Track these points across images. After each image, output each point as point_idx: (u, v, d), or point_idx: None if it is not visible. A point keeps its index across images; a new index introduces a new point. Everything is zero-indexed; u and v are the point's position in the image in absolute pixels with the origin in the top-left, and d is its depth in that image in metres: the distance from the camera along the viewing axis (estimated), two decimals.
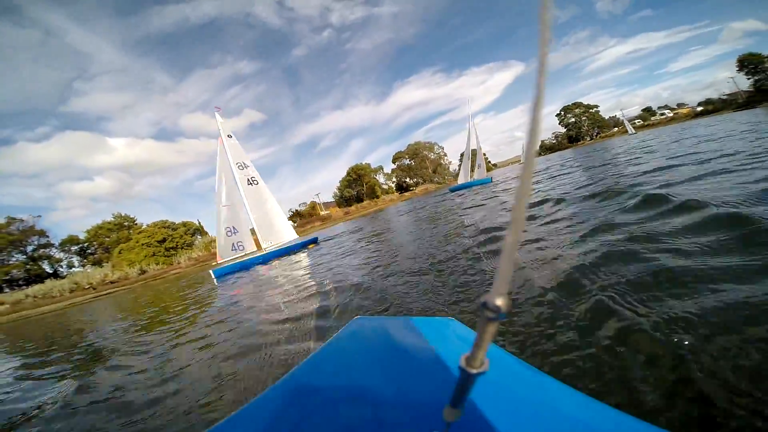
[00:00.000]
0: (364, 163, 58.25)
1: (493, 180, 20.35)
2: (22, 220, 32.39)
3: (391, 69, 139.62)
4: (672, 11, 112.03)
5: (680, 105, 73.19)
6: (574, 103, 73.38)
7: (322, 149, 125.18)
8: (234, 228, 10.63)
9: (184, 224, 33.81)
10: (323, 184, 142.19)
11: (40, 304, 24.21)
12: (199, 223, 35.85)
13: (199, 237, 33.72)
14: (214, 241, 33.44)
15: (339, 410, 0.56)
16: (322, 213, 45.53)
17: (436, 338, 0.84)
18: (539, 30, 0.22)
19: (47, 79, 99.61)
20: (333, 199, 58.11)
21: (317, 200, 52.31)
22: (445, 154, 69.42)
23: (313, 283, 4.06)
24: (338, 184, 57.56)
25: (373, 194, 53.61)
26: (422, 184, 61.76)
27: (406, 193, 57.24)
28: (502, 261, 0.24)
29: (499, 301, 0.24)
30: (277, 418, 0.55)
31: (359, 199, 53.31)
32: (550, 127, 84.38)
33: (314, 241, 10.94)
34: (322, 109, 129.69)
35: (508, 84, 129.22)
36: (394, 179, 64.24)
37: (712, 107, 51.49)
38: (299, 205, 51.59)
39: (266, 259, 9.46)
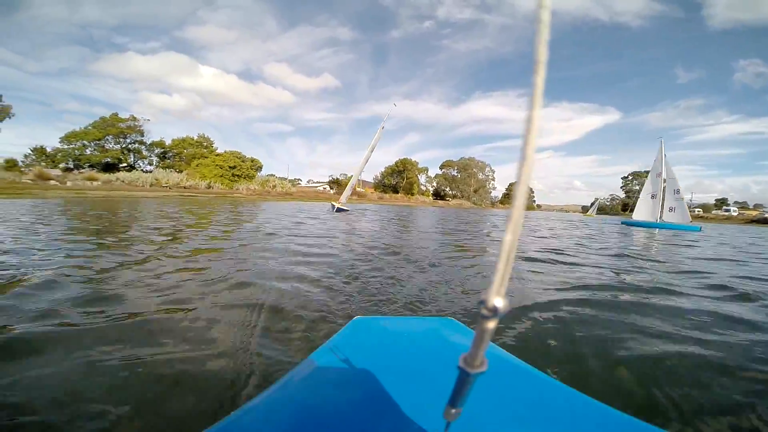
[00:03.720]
0: (413, 158, 65.16)
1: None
2: (137, 119, 43.00)
3: (476, 78, 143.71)
4: None
5: (757, 206, 72.40)
6: (647, 172, 74.99)
7: None
8: (353, 186, 18.90)
9: (252, 160, 42.84)
10: (367, 163, 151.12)
11: (125, 188, 33.14)
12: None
13: (259, 173, 42.97)
14: (267, 181, 42.38)
15: (338, 410, 0.58)
16: (358, 189, 53.28)
17: (436, 338, 0.92)
18: (537, 29, 0.24)
19: (181, 2, 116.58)
20: (372, 181, 65.86)
21: (359, 177, 60.24)
22: (494, 179, 74.74)
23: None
24: (382, 170, 65.09)
25: (410, 190, 60.48)
26: (459, 198, 67.65)
27: (439, 201, 63.49)
28: (500, 261, 0.26)
29: (498, 301, 0.26)
30: (276, 418, 0.58)
31: (395, 190, 60.43)
32: (614, 188, 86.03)
33: (345, 210, 19.66)
34: (394, 94, 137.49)
35: (594, 129, 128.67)
36: (435, 184, 70.65)
37: None
38: (340, 174, 59.75)
39: (343, 211, 17.61)
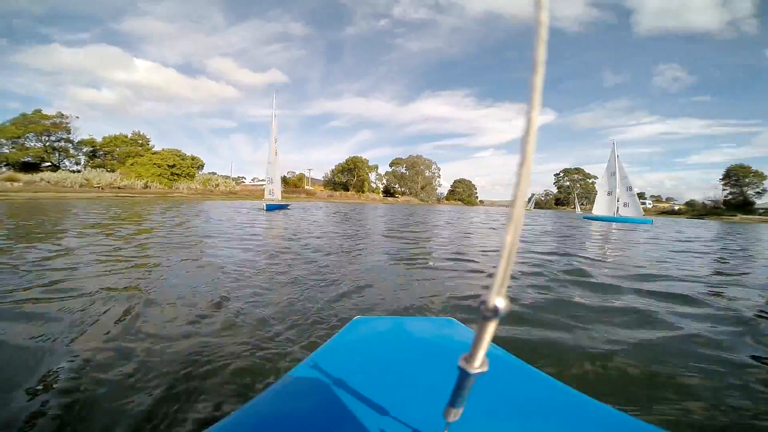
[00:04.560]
0: (363, 156, 67.26)
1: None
2: (65, 116, 40.49)
3: (427, 77, 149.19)
4: (731, 102, 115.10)
5: (669, 199, 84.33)
6: (576, 168, 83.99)
7: (330, 128, 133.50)
8: (271, 179, 18.08)
9: (193, 158, 42.30)
10: (317, 161, 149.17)
11: (51, 189, 31.54)
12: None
13: (200, 172, 42.63)
14: (209, 179, 42.21)
15: (338, 411, 0.59)
16: (306, 187, 54.43)
17: (436, 338, 0.94)
18: (535, 29, 0.24)
19: None
20: (322, 179, 67.13)
21: (307, 174, 61.19)
22: (439, 176, 79.20)
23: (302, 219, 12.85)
24: (333, 168, 66.54)
25: (360, 188, 62.61)
26: (407, 195, 71.09)
27: (389, 198, 66.37)
28: (501, 261, 0.26)
29: (499, 301, 0.26)
30: (277, 418, 0.58)
31: (346, 188, 62.25)
32: (547, 184, 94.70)
33: (287, 206, 18.70)
34: (347, 92, 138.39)
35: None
36: (384, 181, 73.49)
37: (682, 209, 61.21)
38: (287, 172, 60.11)
39: (280, 208, 16.32)
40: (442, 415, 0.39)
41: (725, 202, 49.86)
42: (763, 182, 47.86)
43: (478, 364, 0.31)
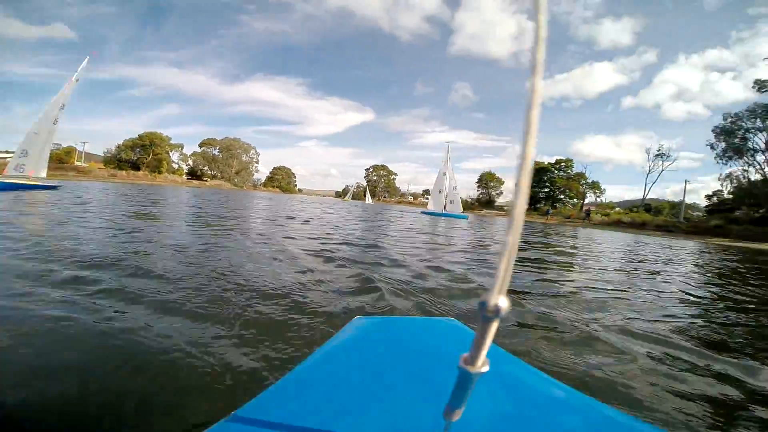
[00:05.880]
0: (167, 133, 61.05)
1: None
2: None
3: (263, 58, 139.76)
4: (495, 121, 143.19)
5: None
6: (381, 165, 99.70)
7: (126, 96, 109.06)
8: (25, 152, 13.76)
9: None
10: (98, 132, 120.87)
11: None
12: None
13: None
14: None
15: (338, 411, 0.60)
16: (77, 163, 45.97)
17: (437, 338, 0.95)
18: (535, 30, 0.25)
19: None
20: (103, 155, 57.17)
21: (80, 148, 50.90)
22: (258, 162, 79.70)
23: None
24: (120, 143, 57.55)
25: (157, 168, 56.76)
26: (218, 179, 68.91)
27: (194, 181, 62.95)
28: (502, 261, 0.27)
29: (499, 301, 0.27)
30: (276, 418, 0.58)
31: (136, 167, 55.29)
32: (359, 177, 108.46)
33: (56, 187, 14.73)
34: (158, 60, 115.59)
35: (353, 125, 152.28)
36: (190, 162, 68.64)
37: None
38: (53, 144, 48.54)
39: (24, 188, 12.23)
40: (443, 415, 0.40)
41: (478, 200, 69.32)
42: (501, 186, 69.49)
43: (479, 365, 0.31)
